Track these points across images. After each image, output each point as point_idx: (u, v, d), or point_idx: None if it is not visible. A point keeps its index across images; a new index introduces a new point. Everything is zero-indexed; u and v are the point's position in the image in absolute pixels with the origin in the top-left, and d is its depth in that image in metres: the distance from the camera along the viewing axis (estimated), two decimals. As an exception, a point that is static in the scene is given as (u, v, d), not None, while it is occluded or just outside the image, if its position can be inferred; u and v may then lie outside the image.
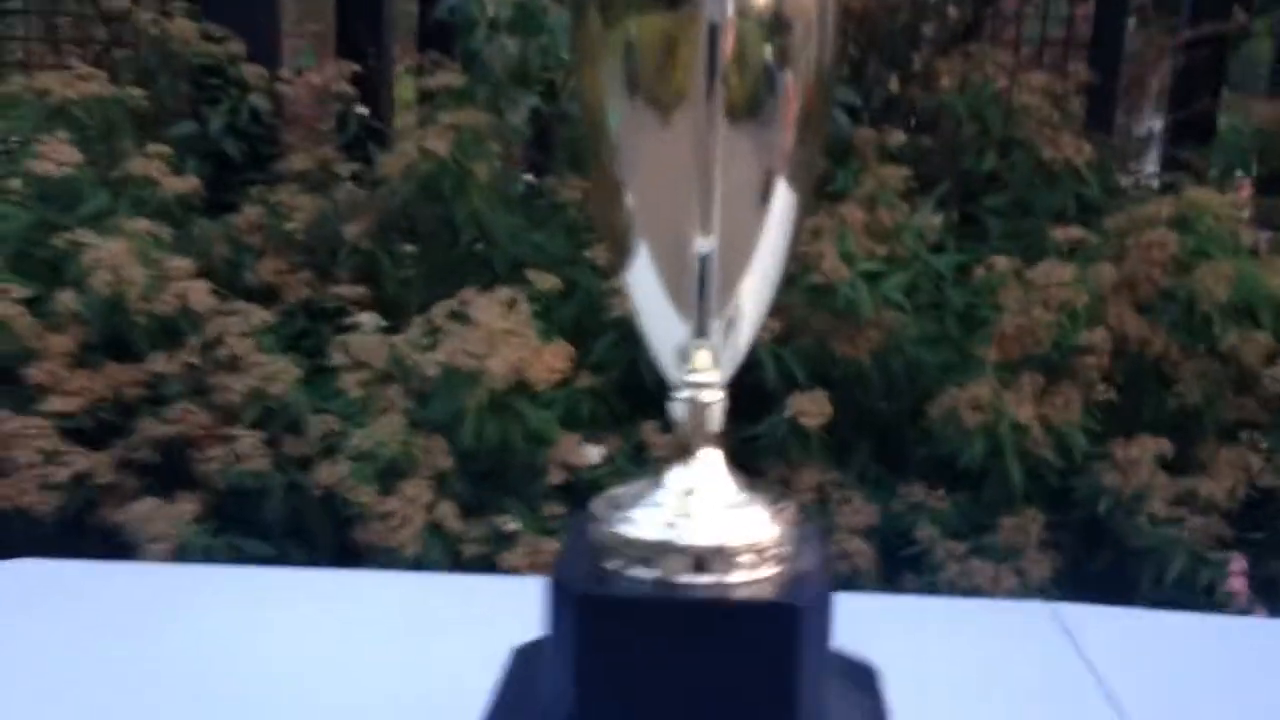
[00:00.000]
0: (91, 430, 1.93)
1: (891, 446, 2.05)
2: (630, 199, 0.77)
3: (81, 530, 1.88)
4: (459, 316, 1.90)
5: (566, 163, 2.33)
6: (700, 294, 0.75)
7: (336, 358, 1.91)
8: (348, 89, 2.43)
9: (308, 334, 2.11)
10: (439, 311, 1.92)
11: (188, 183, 2.19)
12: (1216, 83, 2.90)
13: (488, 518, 1.84)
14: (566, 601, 0.71)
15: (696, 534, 0.73)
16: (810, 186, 0.81)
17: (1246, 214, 2.30)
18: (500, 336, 1.82)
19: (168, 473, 1.91)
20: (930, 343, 2.05)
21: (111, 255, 1.92)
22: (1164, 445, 1.88)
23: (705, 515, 0.75)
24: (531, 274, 1.99)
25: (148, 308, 1.92)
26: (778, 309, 1.95)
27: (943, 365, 2.01)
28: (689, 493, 0.77)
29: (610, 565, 0.74)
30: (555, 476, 1.84)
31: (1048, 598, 1.79)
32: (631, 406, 1.96)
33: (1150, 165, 3.09)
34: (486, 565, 1.79)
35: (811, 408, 1.88)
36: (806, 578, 0.74)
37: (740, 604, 0.71)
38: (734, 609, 0.71)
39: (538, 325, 1.91)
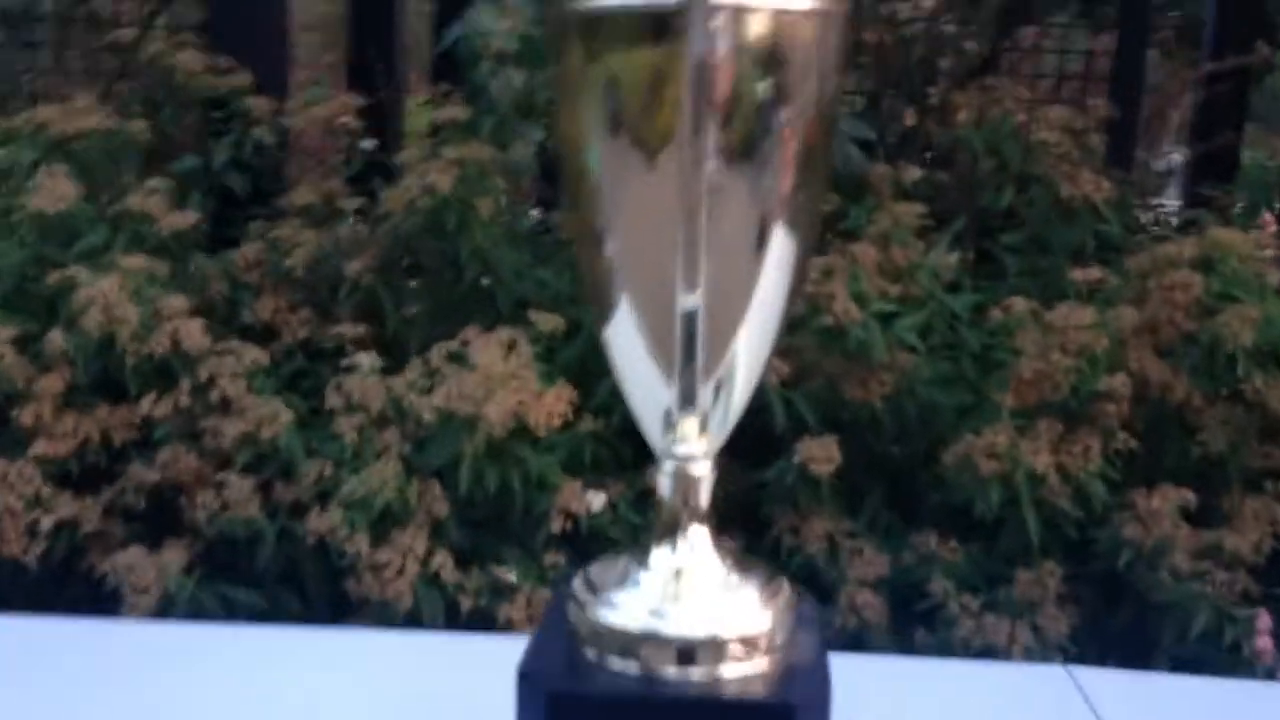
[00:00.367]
0: (79, 475, 1.88)
1: (904, 491, 1.98)
2: (610, 247, 0.71)
3: (67, 578, 1.83)
4: (457, 358, 1.85)
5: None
6: (686, 356, 0.69)
7: (332, 400, 1.86)
8: (353, 121, 2.38)
9: (305, 374, 2.05)
10: (438, 352, 1.87)
11: (186, 218, 2.14)
12: (1239, 117, 2.86)
13: (486, 567, 1.78)
14: (536, 697, 0.65)
15: (683, 623, 0.68)
16: (813, 230, 0.75)
17: (1269, 253, 2.23)
18: (499, 380, 1.77)
19: (156, 519, 1.86)
20: (945, 384, 1.99)
21: (104, 293, 1.87)
22: (1187, 496, 1.81)
23: (693, 601, 0.69)
24: (534, 314, 1.94)
25: (139, 348, 1.87)
26: (787, 351, 1.90)
27: (958, 408, 1.95)
28: (676, 574, 0.71)
29: (588, 655, 0.68)
30: (556, 524, 1.79)
31: (1066, 655, 1.72)
32: (636, 451, 1.90)
33: (1170, 200, 3.03)
34: (484, 618, 1.73)
35: (821, 454, 1.82)
36: (802, 670, 0.68)
37: (731, 702, 0.65)
38: (725, 708, 0.65)
39: (540, 367, 1.85)
